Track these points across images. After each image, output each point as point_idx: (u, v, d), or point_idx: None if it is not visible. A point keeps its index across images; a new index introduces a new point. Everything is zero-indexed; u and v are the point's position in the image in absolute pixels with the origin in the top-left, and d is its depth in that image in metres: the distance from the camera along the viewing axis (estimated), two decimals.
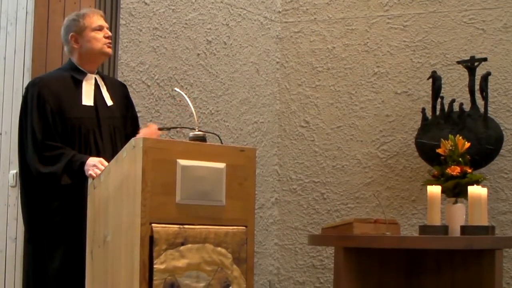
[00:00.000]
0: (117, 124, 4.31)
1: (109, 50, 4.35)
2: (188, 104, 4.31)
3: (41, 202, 4.15)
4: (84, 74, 4.30)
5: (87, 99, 4.27)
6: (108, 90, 4.37)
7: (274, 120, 6.43)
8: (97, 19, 4.33)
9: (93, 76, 4.32)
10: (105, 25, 4.35)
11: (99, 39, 4.31)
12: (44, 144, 4.09)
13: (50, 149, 4.09)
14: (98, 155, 4.12)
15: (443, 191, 5.09)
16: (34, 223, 4.17)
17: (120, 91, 4.48)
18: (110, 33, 4.34)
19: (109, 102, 4.33)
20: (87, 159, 4.02)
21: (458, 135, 5.30)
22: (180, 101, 5.52)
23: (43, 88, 4.17)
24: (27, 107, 4.19)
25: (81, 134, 4.20)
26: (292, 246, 6.34)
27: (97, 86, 4.32)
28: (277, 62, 6.47)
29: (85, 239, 4.00)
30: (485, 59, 5.81)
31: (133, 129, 4.33)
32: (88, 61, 4.32)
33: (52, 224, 4.12)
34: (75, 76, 4.28)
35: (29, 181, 4.19)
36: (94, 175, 3.91)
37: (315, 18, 6.41)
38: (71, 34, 4.31)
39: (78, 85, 4.27)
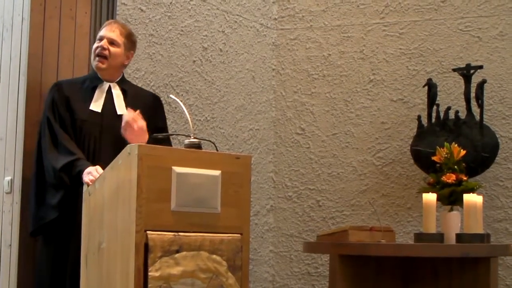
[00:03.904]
0: None
1: (97, 63, 4.40)
2: (184, 111, 4.32)
3: (45, 196, 4.22)
4: (100, 81, 4.39)
5: (96, 105, 4.36)
6: (125, 100, 4.42)
7: (269, 127, 6.43)
8: (103, 30, 4.42)
9: (108, 84, 4.40)
10: (107, 36, 4.40)
11: (93, 50, 4.40)
12: (61, 133, 4.24)
13: (66, 139, 4.25)
14: (93, 160, 4.17)
15: (438, 199, 5.09)
16: (36, 217, 4.29)
17: (145, 102, 4.53)
18: (104, 44, 4.37)
19: (120, 111, 4.38)
20: (86, 168, 4.06)
21: (453, 143, 5.30)
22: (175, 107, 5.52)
23: (56, 92, 4.37)
24: (45, 108, 4.38)
25: (81, 136, 4.28)
26: (287, 253, 6.33)
27: (109, 94, 4.39)
28: (273, 69, 6.47)
29: (73, 242, 4.06)
30: (480, 67, 5.81)
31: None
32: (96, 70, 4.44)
33: (51, 222, 4.20)
34: (90, 83, 4.37)
35: (40, 176, 4.30)
36: (90, 182, 3.93)
37: (311, 25, 6.42)
38: None
39: (91, 91, 4.38)
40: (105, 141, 4.30)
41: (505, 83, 5.91)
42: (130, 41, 4.52)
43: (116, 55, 4.43)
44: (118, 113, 4.40)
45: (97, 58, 4.40)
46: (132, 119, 4.22)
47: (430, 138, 5.82)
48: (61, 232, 4.24)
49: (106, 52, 4.39)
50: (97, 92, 4.41)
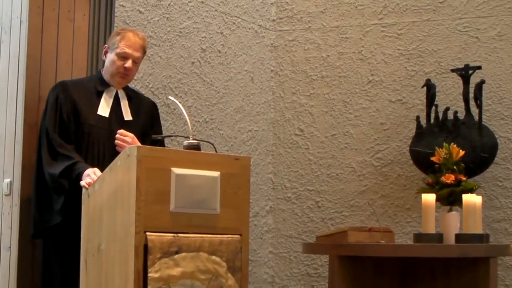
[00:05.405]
0: None
1: (119, 80, 4.41)
2: (183, 113, 4.32)
3: (48, 201, 4.22)
4: (107, 86, 4.40)
5: (103, 110, 4.37)
6: (130, 105, 4.44)
7: (268, 128, 6.43)
8: (128, 47, 4.38)
9: (116, 89, 4.41)
10: (134, 55, 4.39)
11: (117, 66, 4.39)
12: (57, 140, 4.19)
13: (61, 146, 4.20)
14: (101, 165, 4.17)
15: (437, 199, 5.08)
16: (38, 221, 4.30)
17: (147, 109, 4.57)
18: (130, 66, 4.37)
19: (127, 117, 4.41)
20: (85, 170, 4.06)
21: (452, 143, 5.30)
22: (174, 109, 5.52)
23: (62, 92, 4.33)
24: (46, 109, 4.34)
25: (89, 141, 4.28)
26: (286, 254, 6.33)
27: (116, 99, 4.40)
28: (272, 71, 6.47)
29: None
30: (479, 67, 5.81)
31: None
32: (107, 77, 4.41)
33: (54, 225, 4.22)
34: (97, 87, 4.36)
35: (41, 180, 4.29)
36: (87, 186, 3.93)
37: (309, 27, 6.42)
38: (105, 44, 4.48)
39: (98, 95, 4.38)
40: (112, 146, 4.31)
41: (504, 83, 5.92)
42: (145, 52, 4.56)
43: (136, 72, 4.52)
44: (125, 119, 4.42)
45: (119, 75, 4.40)
46: (121, 139, 4.26)
47: (429, 139, 5.82)
48: (69, 236, 4.23)
49: (130, 72, 4.44)
50: (104, 96, 4.41)
